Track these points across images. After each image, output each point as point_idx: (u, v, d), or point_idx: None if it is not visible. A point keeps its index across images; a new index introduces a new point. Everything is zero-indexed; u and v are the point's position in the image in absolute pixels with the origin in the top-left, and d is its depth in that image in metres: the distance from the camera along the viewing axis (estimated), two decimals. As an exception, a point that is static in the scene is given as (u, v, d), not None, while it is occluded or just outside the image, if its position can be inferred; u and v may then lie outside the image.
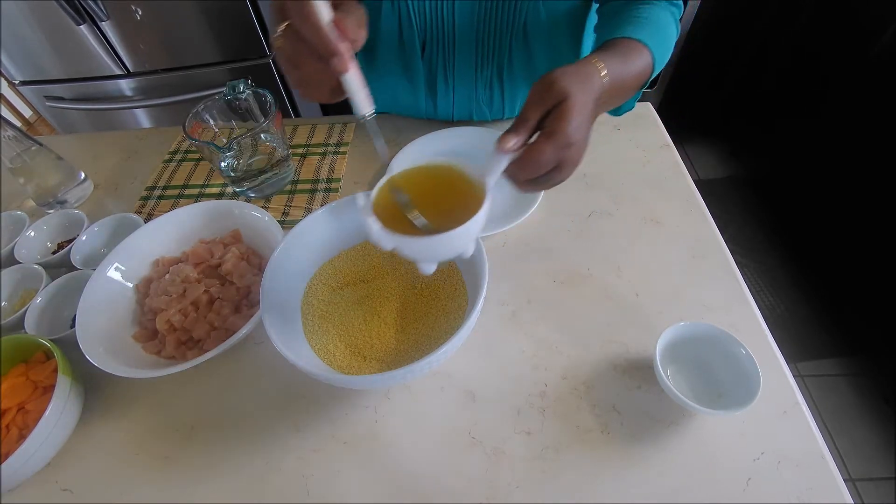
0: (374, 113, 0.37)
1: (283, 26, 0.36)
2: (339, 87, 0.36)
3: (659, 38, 0.49)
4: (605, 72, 0.40)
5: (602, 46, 0.47)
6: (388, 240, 0.37)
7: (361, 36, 0.36)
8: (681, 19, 0.55)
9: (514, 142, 0.36)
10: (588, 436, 0.44)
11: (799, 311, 1.41)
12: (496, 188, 0.38)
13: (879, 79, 1.26)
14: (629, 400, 0.45)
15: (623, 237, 0.59)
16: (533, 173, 0.36)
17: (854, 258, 1.37)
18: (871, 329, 1.30)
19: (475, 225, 0.36)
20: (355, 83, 0.35)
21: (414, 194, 0.39)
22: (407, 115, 0.78)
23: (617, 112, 0.56)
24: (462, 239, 0.37)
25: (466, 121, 0.75)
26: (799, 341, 1.35)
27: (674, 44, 0.53)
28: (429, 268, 0.41)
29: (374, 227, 0.37)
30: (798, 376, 1.27)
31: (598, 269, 0.56)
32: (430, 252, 0.39)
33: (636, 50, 0.47)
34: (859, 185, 1.35)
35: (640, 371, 0.47)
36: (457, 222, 0.35)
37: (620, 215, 0.61)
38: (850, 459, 1.13)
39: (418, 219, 0.38)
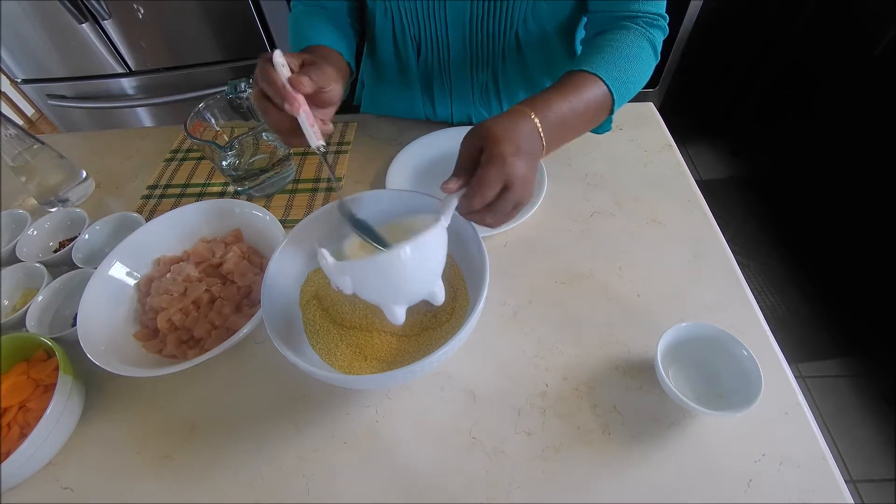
0: (324, 145, 0.43)
1: (255, 87, 0.44)
2: (298, 129, 0.43)
3: (620, 68, 0.50)
4: (533, 114, 0.44)
5: (557, 81, 0.50)
6: (337, 271, 0.39)
7: (335, 89, 0.45)
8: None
9: (456, 183, 0.40)
10: (589, 436, 0.43)
11: (800, 312, 1.40)
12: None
13: (881, 79, 1.26)
14: (630, 400, 0.45)
15: (624, 237, 0.59)
16: (483, 196, 0.39)
17: (855, 259, 1.37)
18: (873, 330, 1.30)
19: (423, 246, 0.37)
20: (305, 123, 0.42)
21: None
22: (407, 118, 0.78)
23: (597, 131, 0.57)
24: (413, 262, 0.37)
25: (466, 122, 0.75)
26: (800, 342, 1.34)
27: (648, 68, 0.54)
28: (398, 313, 0.40)
29: (329, 260, 0.39)
30: (799, 377, 1.27)
31: (600, 269, 0.56)
32: (383, 279, 0.38)
33: (587, 82, 0.49)
34: (861, 185, 1.34)
35: (641, 371, 0.47)
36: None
37: (622, 215, 0.61)
38: (851, 461, 1.13)
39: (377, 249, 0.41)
